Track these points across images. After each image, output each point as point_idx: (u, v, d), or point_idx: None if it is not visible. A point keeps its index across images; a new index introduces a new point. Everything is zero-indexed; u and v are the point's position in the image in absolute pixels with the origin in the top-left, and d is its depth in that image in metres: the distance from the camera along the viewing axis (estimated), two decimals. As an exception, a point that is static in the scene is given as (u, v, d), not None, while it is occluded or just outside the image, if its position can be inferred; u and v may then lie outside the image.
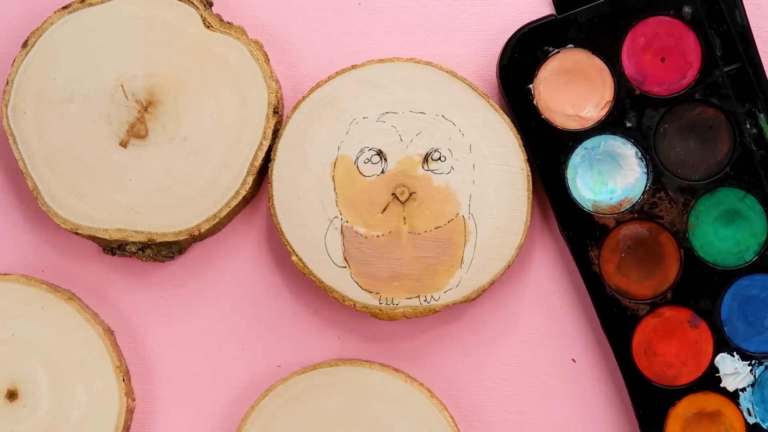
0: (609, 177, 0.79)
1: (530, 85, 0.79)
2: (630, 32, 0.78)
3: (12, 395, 0.79)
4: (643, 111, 0.78)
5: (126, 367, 0.81)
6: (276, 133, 0.79)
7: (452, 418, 0.79)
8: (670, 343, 0.79)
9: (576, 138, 0.79)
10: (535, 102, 0.79)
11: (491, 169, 0.78)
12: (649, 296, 0.79)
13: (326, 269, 0.78)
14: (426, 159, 0.78)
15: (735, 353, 0.78)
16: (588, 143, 0.79)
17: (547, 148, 0.79)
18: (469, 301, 0.79)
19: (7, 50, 0.82)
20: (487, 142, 0.78)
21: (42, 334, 0.79)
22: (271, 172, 0.78)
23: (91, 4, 0.78)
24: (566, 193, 0.79)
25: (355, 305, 0.78)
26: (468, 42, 0.81)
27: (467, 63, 0.81)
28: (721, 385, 0.79)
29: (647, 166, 0.78)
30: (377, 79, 0.78)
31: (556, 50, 0.78)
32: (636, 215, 0.78)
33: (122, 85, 0.79)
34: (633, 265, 0.79)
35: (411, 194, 0.78)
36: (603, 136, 0.78)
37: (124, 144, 0.79)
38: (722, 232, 0.79)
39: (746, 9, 0.78)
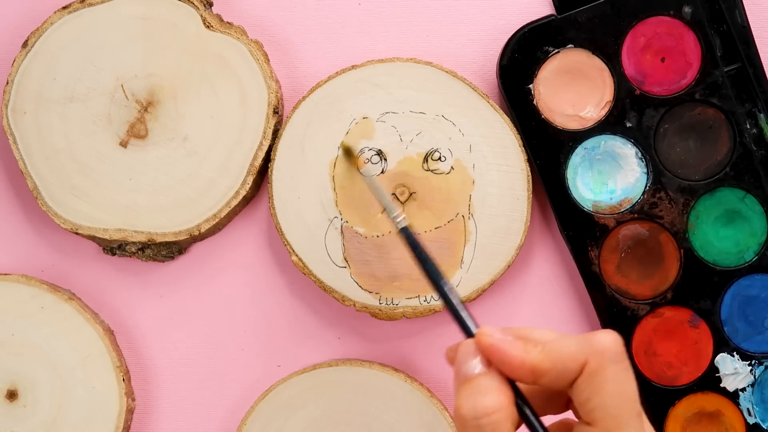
0: (609, 177, 0.79)
1: (530, 85, 0.79)
2: (630, 32, 0.78)
3: (12, 395, 0.79)
4: (643, 111, 0.78)
5: (126, 367, 0.81)
6: (276, 133, 0.79)
7: (452, 418, 0.79)
8: (670, 343, 0.79)
9: (576, 138, 0.79)
10: (535, 102, 0.79)
11: (491, 169, 0.78)
12: (649, 296, 0.79)
13: (326, 269, 0.78)
14: (426, 159, 0.78)
15: (735, 353, 0.78)
16: (588, 143, 0.79)
17: (547, 148, 0.79)
18: (469, 301, 0.79)
19: (7, 50, 0.82)
20: (487, 142, 0.78)
21: (42, 334, 0.79)
22: (271, 172, 0.78)
23: (91, 4, 0.78)
24: (566, 193, 0.79)
25: (355, 305, 0.78)
26: (468, 42, 0.81)
27: (467, 63, 0.81)
28: (721, 385, 0.79)
29: (647, 166, 0.78)
30: (377, 79, 0.78)
31: (556, 50, 0.78)
32: (636, 215, 0.78)
33: (122, 85, 0.79)
34: (633, 265, 0.79)
35: (411, 194, 0.78)
36: (603, 136, 0.79)
37: (124, 144, 0.79)
38: (722, 232, 0.79)
39: (746, 9, 0.78)
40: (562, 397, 0.64)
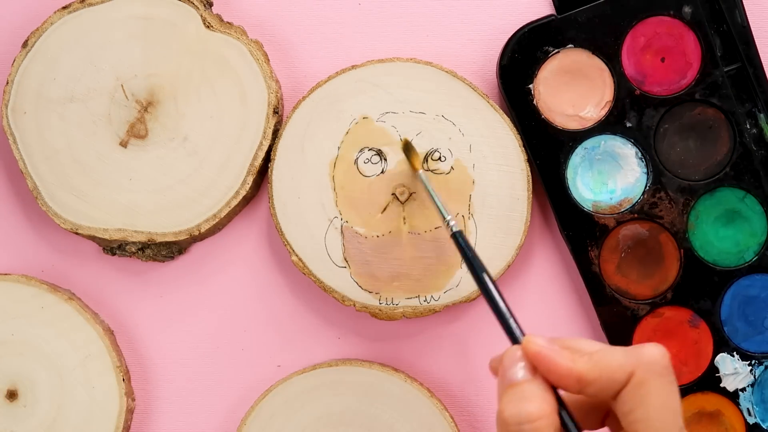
0: (609, 177, 0.79)
1: (530, 85, 0.79)
2: (630, 32, 0.78)
3: (12, 395, 0.79)
4: (643, 111, 0.78)
5: (126, 367, 0.81)
6: (276, 133, 0.79)
7: (452, 418, 0.79)
8: (670, 343, 0.79)
9: (576, 138, 0.79)
10: (535, 102, 0.79)
11: (491, 169, 0.78)
12: (649, 296, 0.79)
13: (326, 269, 0.78)
14: (426, 159, 0.78)
15: (735, 353, 0.78)
16: (588, 143, 0.79)
17: (547, 148, 0.79)
18: (469, 301, 0.79)
19: (7, 50, 0.82)
20: (487, 142, 0.78)
21: (42, 334, 0.79)
22: (271, 172, 0.78)
23: (91, 4, 0.78)
24: (566, 193, 0.79)
25: (355, 305, 0.78)
26: (468, 42, 0.81)
27: (467, 63, 0.81)
28: (721, 385, 0.79)
29: (647, 166, 0.78)
30: (377, 79, 0.78)
31: (556, 50, 0.78)
32: (636, 215, 0.78)
33: (122, 85, 0.79)
34: (633, 265, 0.79)
35: (411, 194, 0.78)
36: (603, 136, 0.79)
37: (124, 144, 0.79)
38: (722, 232, 0.79)
39: (746, 9, 0.78)
40: (600, 412, 0.64)
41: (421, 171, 0.75)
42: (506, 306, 0.65)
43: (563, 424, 0.61)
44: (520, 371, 0.61)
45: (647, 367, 0.60)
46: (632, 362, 0.60)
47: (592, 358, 0.60)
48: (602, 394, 0.60)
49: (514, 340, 0.64)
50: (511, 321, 0.64)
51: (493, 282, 0.66)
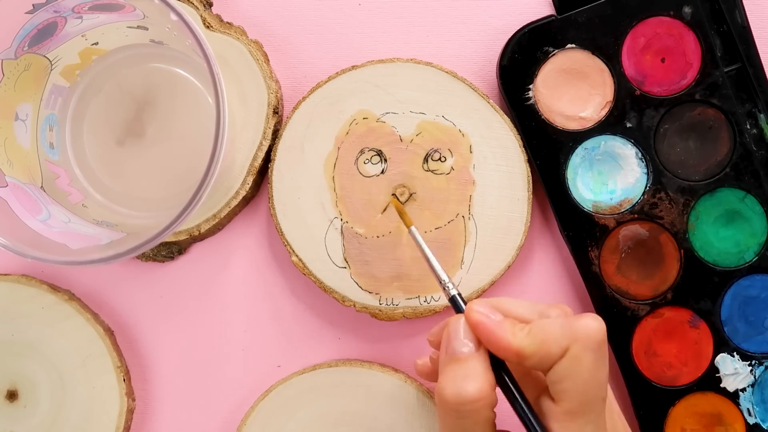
0: (609, 177, 0.79)
1: (530, 85, 0.79)
2: (630, 32, 0.78)
3: (12, 395, 0.79)
4: (643, 111, 0.78)
5: (126, 367, 0.81)
6: (276, 133, 0.79)
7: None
8: (670, 344, 0.79)
9: (576, 138, 0.79)
10: (535, 102, 0.79)
11: (491, 170, 0.78)
12: (649, 296, 0.79)
13: (326, 269, 0.78)
14: (426, 159, 0.78)
15: (735, 353, 0.79)
16: (588, 144, 0.79)
17: (547, 149, 0.79)
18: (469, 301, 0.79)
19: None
20: (487, 143, 0.78)
21: (42, 334, 0.79)
22: (271, 172, 0.78)
23: (90, 4, 0.78)
24: (566, 194, 0.79)
25: (355, 306, 0.78)
26: (468, 42, 0.81)
27: (467, 63, 0.81)
28: (721, 385, 0.79)
29: (647, 166, 0.78)
30: (377, 79, 0.78)
31: (556, 50, 0.78)
32: (636, 215, 0.79)
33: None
34: (633, 266, 0.79)
35: (411, 194, 0.78)
36: (603, 137, 0.79)
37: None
38: (722, 232, 0.79)
39: (746, 9, 0.78)
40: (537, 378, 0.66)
41: (413, 227, 0.74)
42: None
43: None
44: (464, 345, 0.64)
45: (582, 343, 0.62)
46: (568, 337, 0.62)
47: (531, 332, 0.63)
48: (539, 366, 0.63)
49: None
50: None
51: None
